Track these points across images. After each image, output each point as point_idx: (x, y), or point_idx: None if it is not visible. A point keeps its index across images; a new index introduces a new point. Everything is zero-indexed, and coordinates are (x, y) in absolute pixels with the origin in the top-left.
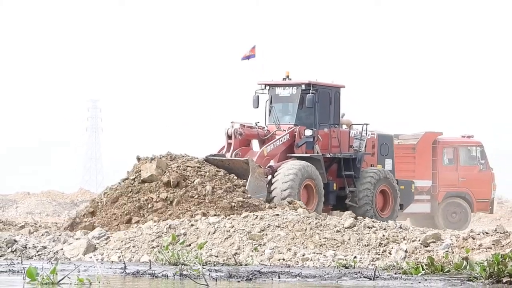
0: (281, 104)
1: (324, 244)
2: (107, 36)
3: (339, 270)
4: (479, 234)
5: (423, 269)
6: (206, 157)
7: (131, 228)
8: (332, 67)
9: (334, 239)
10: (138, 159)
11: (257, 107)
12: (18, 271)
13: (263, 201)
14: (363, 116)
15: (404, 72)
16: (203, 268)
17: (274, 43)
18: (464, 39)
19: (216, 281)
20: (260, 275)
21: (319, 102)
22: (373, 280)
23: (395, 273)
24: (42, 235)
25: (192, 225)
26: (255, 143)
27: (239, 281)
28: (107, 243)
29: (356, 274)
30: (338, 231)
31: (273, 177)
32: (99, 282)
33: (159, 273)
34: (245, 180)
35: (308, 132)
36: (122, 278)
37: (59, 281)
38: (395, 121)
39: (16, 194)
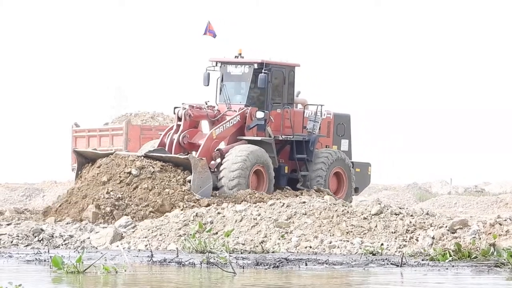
0: (232, 83)
1: (351, 231)
2: (134, 24)
3: (366, 257)
4: (506, 220)
5: (450, 256)
6: (145, 153)
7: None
8: (290, 44)
9: (361, 226)
10: (75, 151)
11: (208, 84)
12: (45, 260)
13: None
14: (320, 95)
15: (363, 52)
16: (230, 256)
17: (227, 18)
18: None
19: (243, 268)
20: (287, 263)
21: (272, 82)
22: (400, 266)
23: (422, 260)
24: (68, 223)
25: (218, 213)
26: (204, 123)
27: (266, 269)
28: (134, 231)
29: (383, 261)
30: (365, 218)
31: (221, 162)
32: (125, 271)
33: (186, 261)
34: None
35: (260, 114)
36: (149, 266)
37: (85, 269)
38: (354, 100)
39: (42, 183)
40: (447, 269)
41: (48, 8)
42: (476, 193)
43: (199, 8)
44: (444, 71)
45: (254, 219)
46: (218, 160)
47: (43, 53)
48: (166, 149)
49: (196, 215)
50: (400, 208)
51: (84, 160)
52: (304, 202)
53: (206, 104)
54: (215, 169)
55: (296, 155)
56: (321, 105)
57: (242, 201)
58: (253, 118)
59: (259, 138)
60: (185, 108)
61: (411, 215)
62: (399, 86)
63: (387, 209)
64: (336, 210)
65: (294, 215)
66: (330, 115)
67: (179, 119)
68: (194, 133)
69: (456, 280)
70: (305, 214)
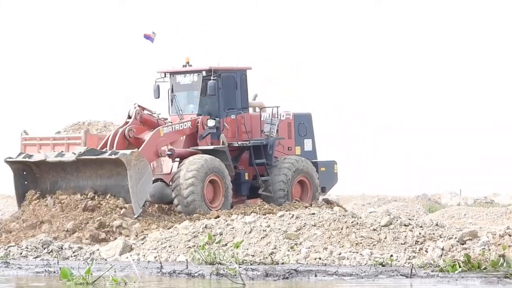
0: (183, 92)
1: (361, 243)
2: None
3: (375, 269)
4: None
5: (460, 267)
6: (76, 157)
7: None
8: (290, 44)
9: (371, 238)
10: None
11: (158, 97)
12: (54, 272)
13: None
14: (283, 97)
15: (365, 52)
16: (240, 267)
17: (227, 18)
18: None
19: (252, 280)
20: (297, 274)
21: (222, 88)
22: (410, 278)
23: (432, 271)
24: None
25: (228, 224)
26: None
27: (275, 280)
28: (143, 243)
29: (392, 272)
30: (374, 229)
31: (173, 161)
32: (134, 282)
33: (196, 272)
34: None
35: (211, 123)
36: (159, 278)
37: (94, 281)
38: (314, 99)
39: None
40: (456, 280)
41: (47, 7)
42: (486, 204)
43: (199, 8)
44: (452, 76)
45: (263, 230)
46: (170, 161)
47: (41, 53)
48: (108, 142)
49: (206, 227)
50: (409, 219)
51: (21, 165)
52: (313, 214)
53: (158, 116)
54: (170, 183)
55: (255, 160)
56: (277, 107)
57: (251, 213)
58: (205, 127)
59: (211, 147)
60: (136, 108)
61: (421, 226)
62: (405, 89)
63: (397, 221)
64: (346, 222)
65: (304, 226)
66: (289, 115)
67: (129, 117)
68: (142, 130)
69: None
70: (315, 225)
